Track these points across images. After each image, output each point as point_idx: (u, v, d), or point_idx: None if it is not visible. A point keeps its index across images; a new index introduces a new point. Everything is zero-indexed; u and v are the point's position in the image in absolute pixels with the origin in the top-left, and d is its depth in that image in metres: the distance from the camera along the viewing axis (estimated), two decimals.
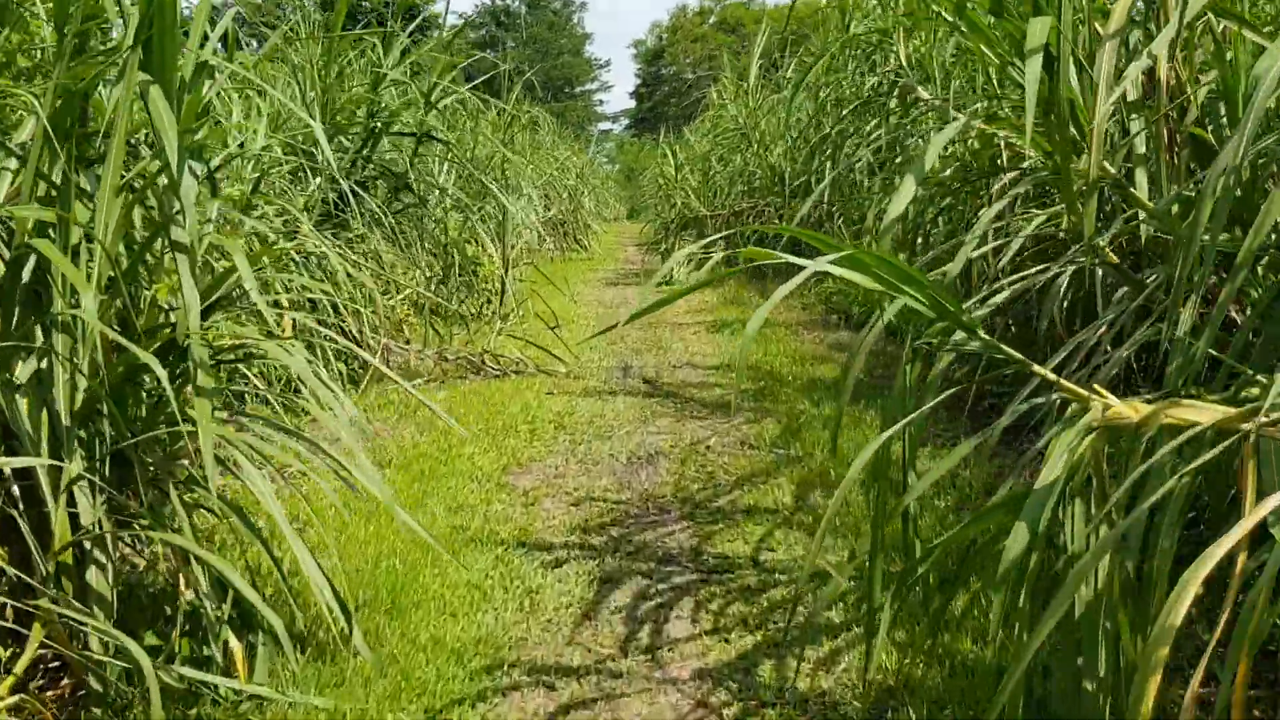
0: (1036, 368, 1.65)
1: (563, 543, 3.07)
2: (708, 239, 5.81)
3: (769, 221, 10.00)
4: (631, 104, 62.88)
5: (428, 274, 6.00)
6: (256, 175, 4.27)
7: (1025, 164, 3.41)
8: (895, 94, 4.93)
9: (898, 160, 6.77)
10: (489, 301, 7.43)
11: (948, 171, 4.49)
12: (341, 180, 4.99)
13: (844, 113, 6.43)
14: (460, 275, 7.69)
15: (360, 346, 5.23)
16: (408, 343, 5.80)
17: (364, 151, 5.34)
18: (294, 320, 4.73)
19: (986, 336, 1.74)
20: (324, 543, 2.79)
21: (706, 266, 9.79)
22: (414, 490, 3.49)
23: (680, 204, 10.56)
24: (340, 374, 5.15)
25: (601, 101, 63.71)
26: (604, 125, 61.39)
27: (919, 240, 4.75)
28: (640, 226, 27.08)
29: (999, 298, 2.50)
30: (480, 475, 3.71)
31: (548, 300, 8.08)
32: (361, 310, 5.18)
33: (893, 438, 1.81)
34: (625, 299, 9.51)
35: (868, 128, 7.97)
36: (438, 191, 6.29)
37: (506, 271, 5.50)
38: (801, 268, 1.64)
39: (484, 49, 58.04)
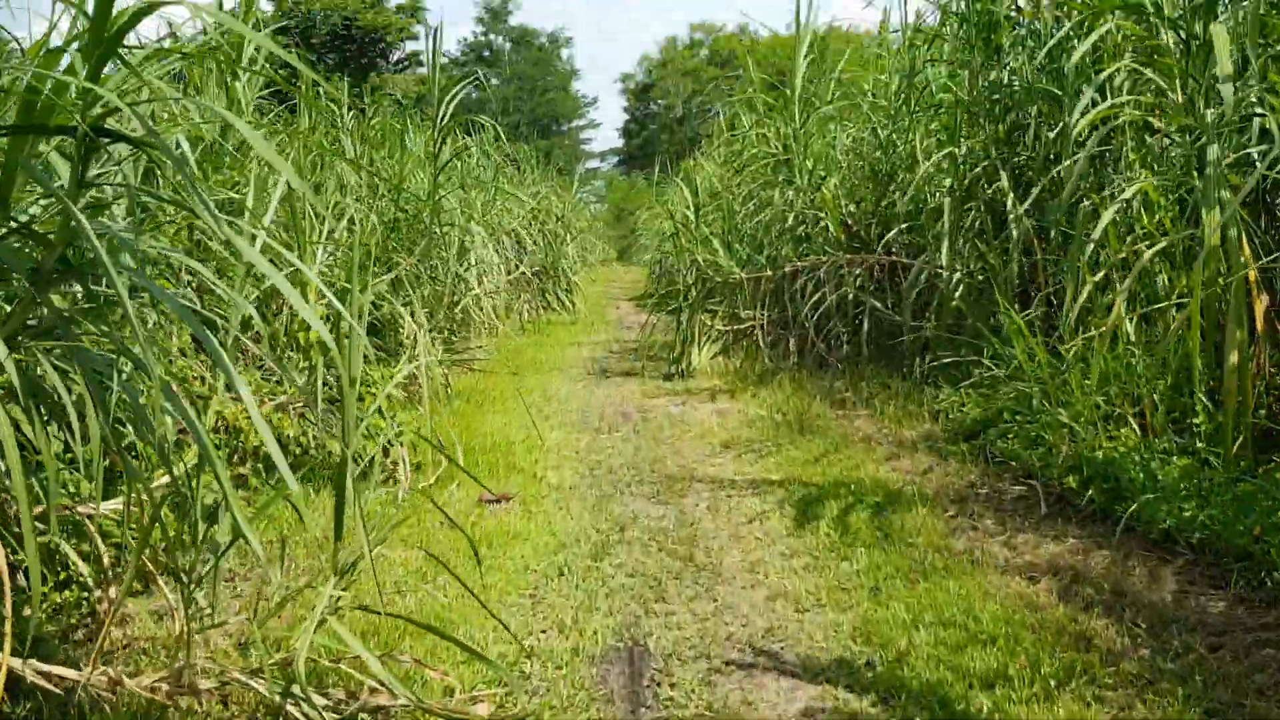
0: None
1: None
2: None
3: (828, 287, 6.73)
4: (619, 141, 60.05)
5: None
6: None
7: None
8: None
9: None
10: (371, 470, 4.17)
11: None
12: None
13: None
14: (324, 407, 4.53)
15: None
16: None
17: None
18: None
19: None
20: None
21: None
22: None
23: (702, 262, 7.27)
24: None
25: (589, 139, 60.74)
26: (592, 163, 58.60)
27: None
28: (631, 272, 23.87)
29: None
30: None
31: (487, 440, 4.76)
32: None
33: None
34: (624, 409, 6.19)
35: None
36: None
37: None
38: None
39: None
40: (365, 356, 6.05)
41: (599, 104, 76.47)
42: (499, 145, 12.54)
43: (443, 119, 6.56)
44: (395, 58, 39.15)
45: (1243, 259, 3.12)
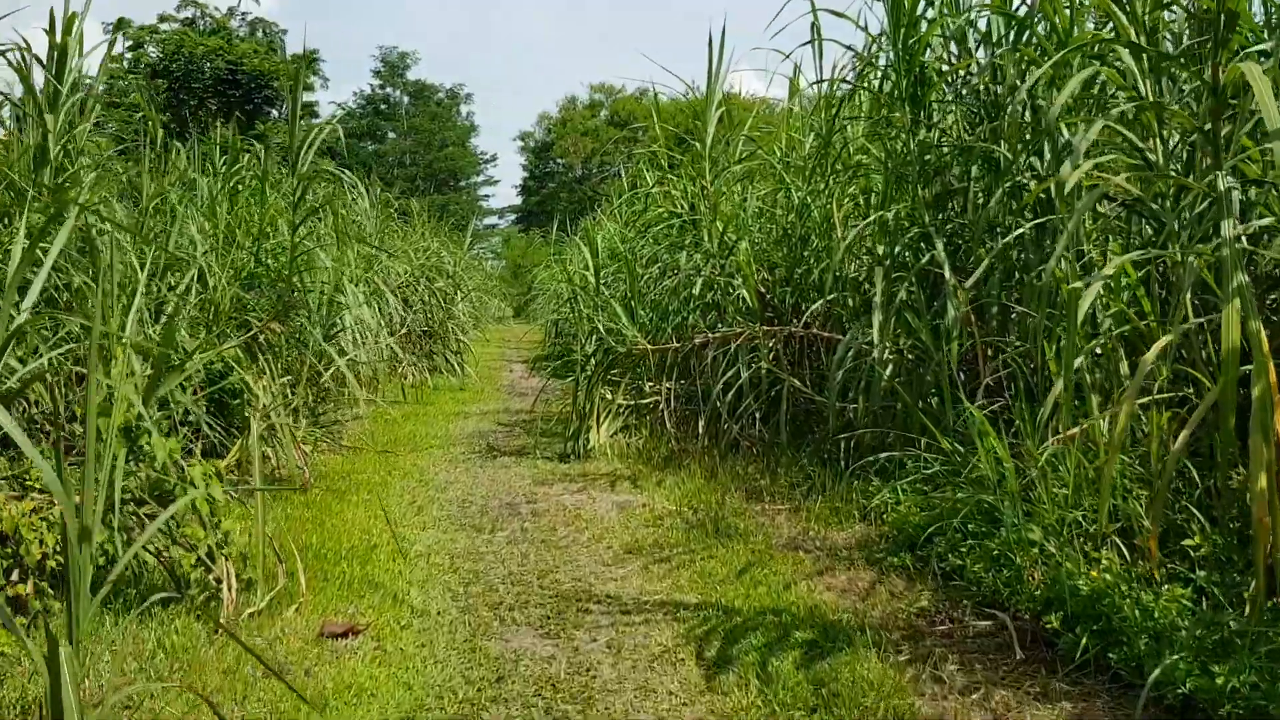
0: None
1: None
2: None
3: (742, 362, 6.09)
4: (518, 199, 59.48)
5: None
6: None
7: None
8: None
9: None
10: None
11: None
12: None
13: None
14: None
15: None
16: None
17: None
18: None
19: None
20: None
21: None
22: None
23: (603, 330, 6.57)
24: None
25: (488, 196, 60.02)
26: (490, 220, 57.81)
27: None
28: (528, 330, 23.04)
29: None
30: None
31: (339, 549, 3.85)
32: None
33: None
34: (511, 500, 5.37)
35: None
36: None
37: None
38: None
39: (362, 139, 53.77)
40: (203, 433, 5.11)
41: (498, 161, 75.90)
42: (383, 198, 11.74)
43: (302, 165, 5.73)
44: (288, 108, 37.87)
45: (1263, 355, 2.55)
